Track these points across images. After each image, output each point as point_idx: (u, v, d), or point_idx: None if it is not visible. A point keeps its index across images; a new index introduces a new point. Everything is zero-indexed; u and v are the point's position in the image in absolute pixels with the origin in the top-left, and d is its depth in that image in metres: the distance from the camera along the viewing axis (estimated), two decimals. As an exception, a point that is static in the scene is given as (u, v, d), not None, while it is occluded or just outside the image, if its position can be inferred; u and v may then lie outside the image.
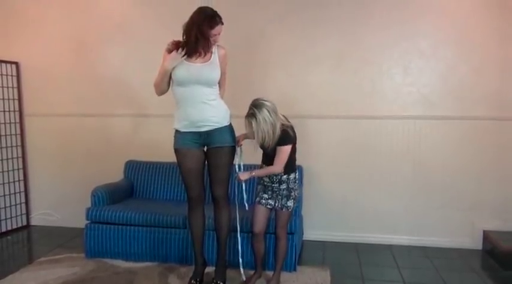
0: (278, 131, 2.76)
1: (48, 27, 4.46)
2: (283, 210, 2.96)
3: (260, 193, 3.00)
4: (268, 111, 2.72)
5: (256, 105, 2.76)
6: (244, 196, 3.04)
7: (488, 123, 3.85)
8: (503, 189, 3.88)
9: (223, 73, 2.94)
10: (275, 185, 2.94)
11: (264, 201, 2.98)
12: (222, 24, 2.79)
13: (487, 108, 3.84)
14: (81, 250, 3.71)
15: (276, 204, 2.96)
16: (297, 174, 3.01)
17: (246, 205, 3.04)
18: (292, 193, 2.97)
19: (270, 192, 2.97)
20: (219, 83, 2.94)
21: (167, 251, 3.54)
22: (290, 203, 2.96)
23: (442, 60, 3.88)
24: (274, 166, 2.85)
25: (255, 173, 2.92)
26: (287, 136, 2.82)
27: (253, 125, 2.74)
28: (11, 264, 3.63)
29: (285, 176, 2.92)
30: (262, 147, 2.90)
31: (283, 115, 2.87)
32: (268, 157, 2.91)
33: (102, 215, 3.59)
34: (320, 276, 3.28)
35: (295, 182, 2.99)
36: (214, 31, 2.76)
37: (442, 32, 3.86)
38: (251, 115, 2.75)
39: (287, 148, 2.84)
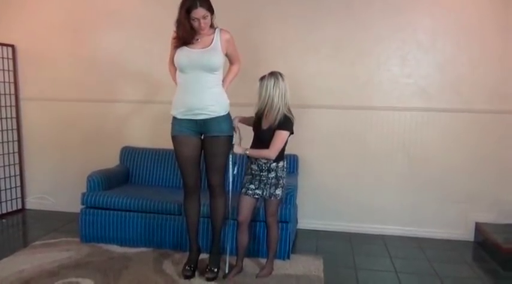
0: (280, 108, 2.81)
1: (45, 9, 4.41)
2: (272, 198, 2.98)
3: (246, 184, 3.01)
4: (274, 83, 2.80)
5: (272, 73, 2.85)
6: (230, 185, 3.08)
7: (485, 116, 3.86)
8: (496, 181, 3.91)
9: (233, 54, 2.97)
10: (263, 173, 2.95)
11: (250, 192, 2.99)
12: (209, 10, 2.70)
13: (484, 101, 3.85)
14: (76, 234, 3.72)
15: (264, 193, 2.98)
16: (285, 162, 3.03)
17: (230, 193, 3.09)
18: (281, 182, 2.98)
19: (257, 182, 2.98)
20: (231, 65, 3.01)
21: (162, 237, 3.56)
22: (278, 191, 2.98)
23: (441, 52, 3.88)
24: (268, 150, 2.86)
25: (249, 151, 2.93)
26: (288, 121, 2.85)
27: (258, 86, 2.85)
28: (5, 247, 3.63)
29: (274, 164, 2.93)
30: (255, 128, 2.94)
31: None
32: (259, 142, 2.92)
33: (98, 200, 3.60)
34: (313, 265, 3.31)
35: (283, 170, 3.00)
36: (193, 14, 2.67)
37: (441, 23, 3.85)
38: (262, 78, 2.86)
39: (285, 135, 2.85)
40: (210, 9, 2.73)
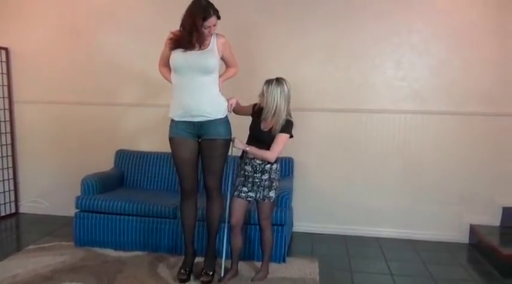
0: (283, 116, 2.83)
1: (39, 12, 4.39)
2: (265, 200, 2.98)
3: (239, 187, 3.01)
4: (280, 92, 2.82)
5: (277, 79, 2.87)
6: (229, 187, 3.09)
7: (478, 119, 3.88)
8: (491, 183, 3.93)
9: (230, 58, 3.01)
10: (257, 175, 2.95)
11: (243, 195, 2.98)
12: (218, 16, 2.79)
13: (477, 103, 3.87)
14: (70, 238, 3.70)
15: (258, 196, 2.98)
16: (278, 165, 3.03)
17: (228, 196, 3.08)
18: (274, 184, 2.99)
19: (250, 185, 2.98)
20: (227, 69, 3.04)
21: (157, 241, 3.54)
22: (272, 193, 2.98)
23: (434, 55, 3.90)
24: (270, 152, 2.86)
25: (249, 149, 2.91)
26: (289, 124, 2.88)
27: (264, 91, 2.87)
28: (-1, 252, 3.61)
29: (268, 165, 2.94)
30: (253, 129, 2.94)
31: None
32: (255, 143, 2.91)
33: (92, 204, 3.58)
34: (309, 267, 3.31)
35: (276, 172, 3.01)
36: (207, 23, 2.75)
37: (435, 27, 3.88)
38: (267, 82, 2.87)
39: (285, 137, 2.87)
40: (219, 17, 2.81)
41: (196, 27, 2.74)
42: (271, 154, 2.87)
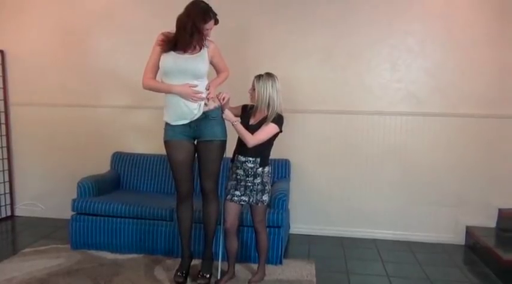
0: (278, 108, 2.87)
1: (35, 15, 4.38)
2: (259, 204, 2.98)
3: (231, 191, 2.99)
4: (272, 83, 2.87)
5: (268, 74, 2.92)
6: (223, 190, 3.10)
7: (474, 121, 3.90)
8: (486, 185, 3.94)
9: (220, 63, 3.02)
10: (249, 179, 2.94)
11: (236, 198, 2.97)
12: (216, 20, 2.80)
13: (473, 105, 3.89)
14: (66, 241, 3.69)
15: (251, 200, 2.97)
16: (270, 168, 3.03)
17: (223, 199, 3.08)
18: (267, 187, 2.99)
19: (242, 189, 2.97)
20: (218, 74, 3.05)
21: (153, 243, 3.54)
22: (265, 197, 2.98)
23: (430, 57, 3.92)
24: (251, 136, 2.83)
25: (237, 124, 2.86)
26: (280, 119, 2.90)
27: (254, 84, 2.91)
28: (-6, 255, 3.60)
29: (260, 169, 2.93)
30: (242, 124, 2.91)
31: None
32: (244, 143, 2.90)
33: (88, 206, 3.57)
34: (305, 269, 3.31)
35: (268, 176, 3.01)
36: (207, 25, 2.77)
37: (431, 29, 3.90)
38: (257, 76, 2.92)
39: (272, 128, 2.86)
40: (217, 21, 2.83)
41: (198, 28, 2.74)
42: (251, 139, 2.83)
